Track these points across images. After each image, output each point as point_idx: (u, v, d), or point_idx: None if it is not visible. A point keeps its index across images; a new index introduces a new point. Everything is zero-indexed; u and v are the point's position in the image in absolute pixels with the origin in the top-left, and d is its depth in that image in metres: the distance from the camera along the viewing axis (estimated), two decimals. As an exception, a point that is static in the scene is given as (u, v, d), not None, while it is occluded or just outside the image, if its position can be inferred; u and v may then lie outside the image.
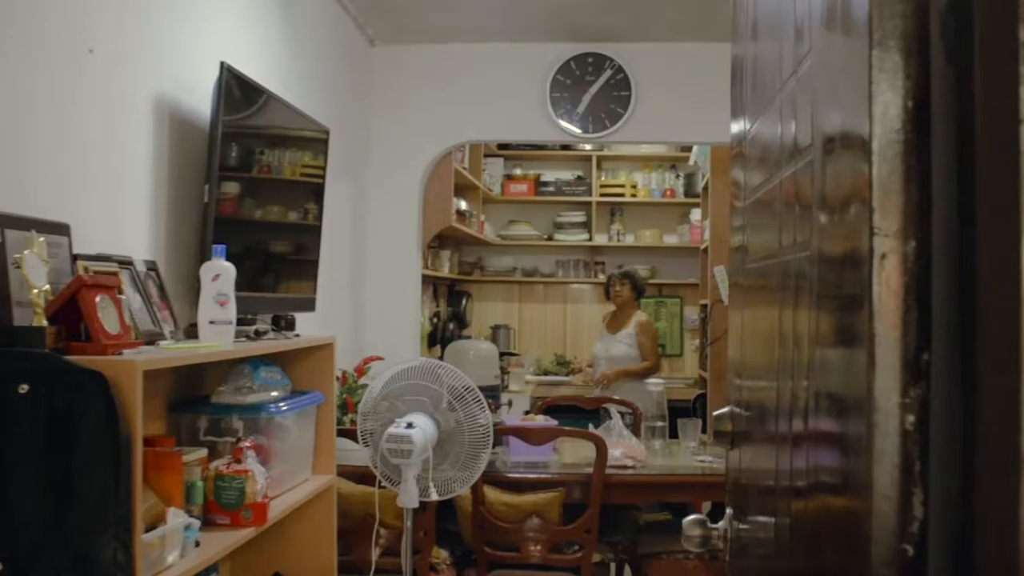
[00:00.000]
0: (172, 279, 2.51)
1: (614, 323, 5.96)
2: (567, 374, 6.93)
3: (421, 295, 5.50)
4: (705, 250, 6.08)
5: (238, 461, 2.24)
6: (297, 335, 2.81)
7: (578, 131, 4.77)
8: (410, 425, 2.94)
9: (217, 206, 2.50)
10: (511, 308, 7.42)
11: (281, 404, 2.54)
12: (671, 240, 7.25)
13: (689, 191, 7.10)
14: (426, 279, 5.89)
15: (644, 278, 5.96)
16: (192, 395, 2.50)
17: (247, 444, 2.28)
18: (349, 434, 3.30)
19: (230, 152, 2.64)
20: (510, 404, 5.62)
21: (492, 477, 3.40)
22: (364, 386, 3.93)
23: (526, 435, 3.41)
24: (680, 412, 6.62)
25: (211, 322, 2.26)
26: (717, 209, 5.42)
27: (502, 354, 6.45)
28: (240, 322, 2.56)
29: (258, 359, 2.52)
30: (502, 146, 7.19)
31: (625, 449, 3.59)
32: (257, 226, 2.89)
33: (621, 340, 5.76)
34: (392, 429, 2.94)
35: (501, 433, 3.48)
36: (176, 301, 2.45)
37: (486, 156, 7.02)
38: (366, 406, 3.17)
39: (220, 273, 2.29)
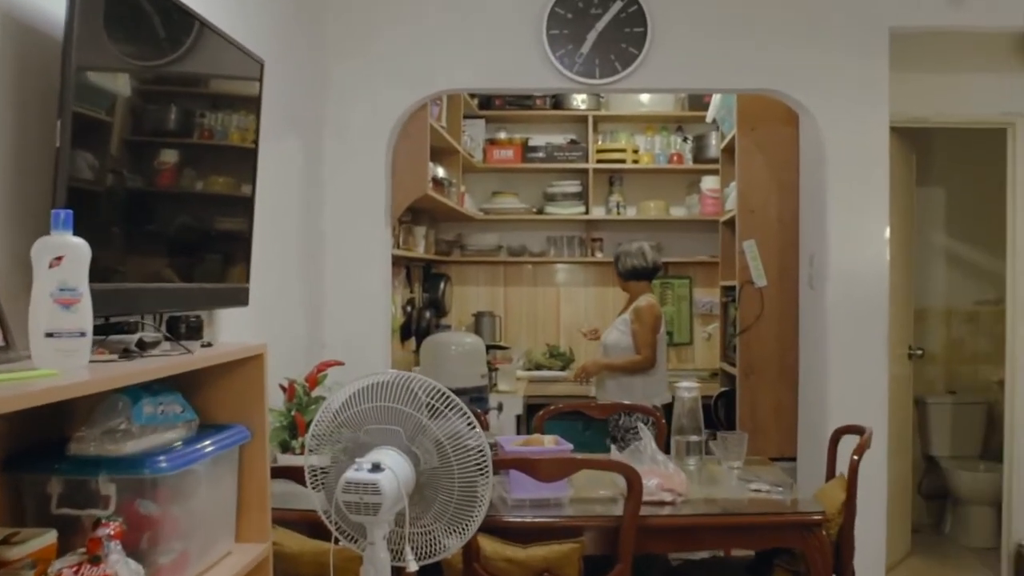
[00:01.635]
0: (7, 266, 1.68)
1: (624, 308, 5.17)
2: (562, 368, 6.13)
3: (392, 280, 4.68)
4: (727, 222, 5.28)
5: (95, 560, 1.42)
6: (207, 344, 1.97)
7: (582, 77, 3.94)
8: (376, 467, 2.12)
9: (74, 155, 1.67)
10: (496, 292, 6.60)
11: (178, 453, 1.72)
12: (678, 212, 6.45)
13: (700, 156, 6.28)
14: (397, 260, 5.06)
15: (634, 254, 5.07)
16: (49, 439, 1.68)
17: (110, 530, 1.45)
18: (295, 475, 2.48)
19: (103, 78, 1.80)
20: (500, 409, 4.82)
21: (489, 522, 2.58)
22: (319, 400, 3.11)
23: (533, 469, 2.58)
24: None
25: (49, 335, 1.43)
26: (746, 173, 4.63)
27: (488, 347, 5.64)
28: (113, 329, 1.72)
29: (142, 387, 1.69)
30: (483, 105, 6.35)
31: (661, 479, 2.80)
32: (154, 192, 2.05)
33: (617, 326, 4.98)
34: (352, 473, 2.12)
35: (502, 467, 2.66)
36: (9, 301, 1.61)
37: (465, 118, 6.16)
38: (316, 433, 2.34)
39: (64, 254, 1.46)
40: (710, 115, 5.29)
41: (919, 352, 5.47)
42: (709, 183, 6.22)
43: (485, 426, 3.76)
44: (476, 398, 4.64)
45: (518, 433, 5.29)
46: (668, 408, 5.12)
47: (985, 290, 5.98)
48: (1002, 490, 4.73)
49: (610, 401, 4.97)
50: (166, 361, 1.69)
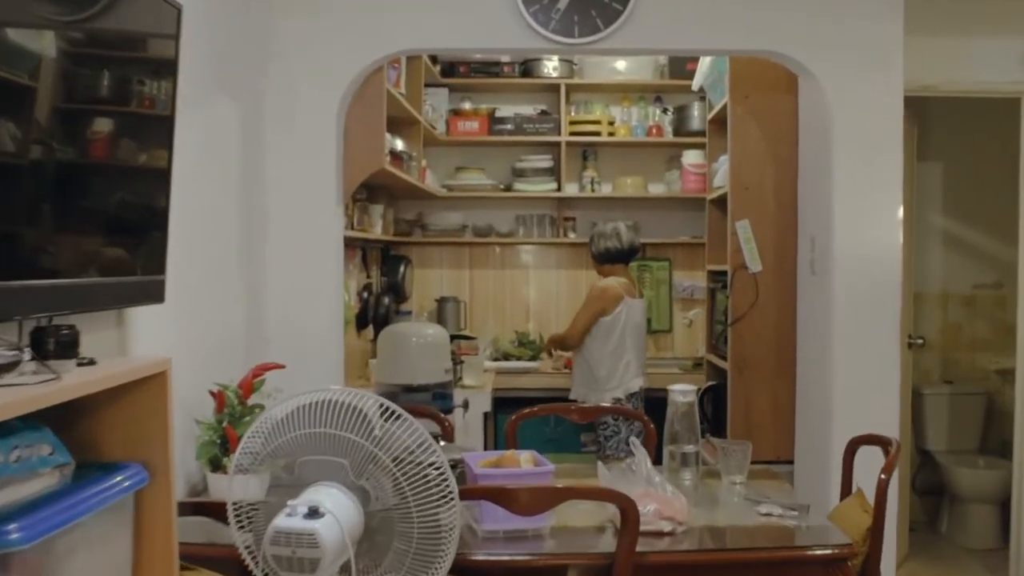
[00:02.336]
0: None
1: None
2: (532, 358, 5.72)
3: (345, 264, 4.24)
4: (716, 201, 4.88)
5: None
6: (89, 362, 1.52)
7: (559, 36, 3.50)
8: (314, 512, 1.70)
9: None
10: (461, 276, 6.16)
11: (38, 517, 1.28)
12: (657, 190, 6.04)
13: (681, 128, 5.87)
14: (351, 242, 4.62)
15: (609, 236, 4.73)
16: None
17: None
18: (216, 512, 2.04)
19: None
20: (466, 406, 4.40)
21: (455, 561, 2.16)
22: (256, 409, 2.67)
23: (510, 501, 2.15)
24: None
25: None
26: (739, 146, 4.22)
27: (453, 337, 5.22)
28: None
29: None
30: (446, 72, 5.88)
31: (659, 504, 2.39)
32: (28, 164, 1.60)
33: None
34: (283, 520, 1.69)
35: (471, 498, 2.24)
36: None
37: (427, 86, 5.70)
38: (242, 462, 1.91)
39: None
40: (696, 82, 4.87)
41: (919, 341, 5.13)
42: (691, 158, 5.82)
43: (450, 434, 3.34)
44: (439, 395, 4.22)
45: (486, 433, 4.89)
46: (645, 401, 4.81)
47: (984, 273, 5.66)
48: (1010, 488, 4.39)
49: (579, 390, 4.65)
50: (21, 393, 1.25)
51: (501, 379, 5.37)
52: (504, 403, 5.26)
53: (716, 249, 4.87)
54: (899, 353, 3.60)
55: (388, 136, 4.11)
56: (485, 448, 4.77)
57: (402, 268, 5.77)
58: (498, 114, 5.93)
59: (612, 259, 4.71)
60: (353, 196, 4.37)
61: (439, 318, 5.91)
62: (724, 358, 4.43)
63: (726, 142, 4.59)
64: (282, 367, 2.81)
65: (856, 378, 3.53)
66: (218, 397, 2.65)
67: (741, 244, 4.16)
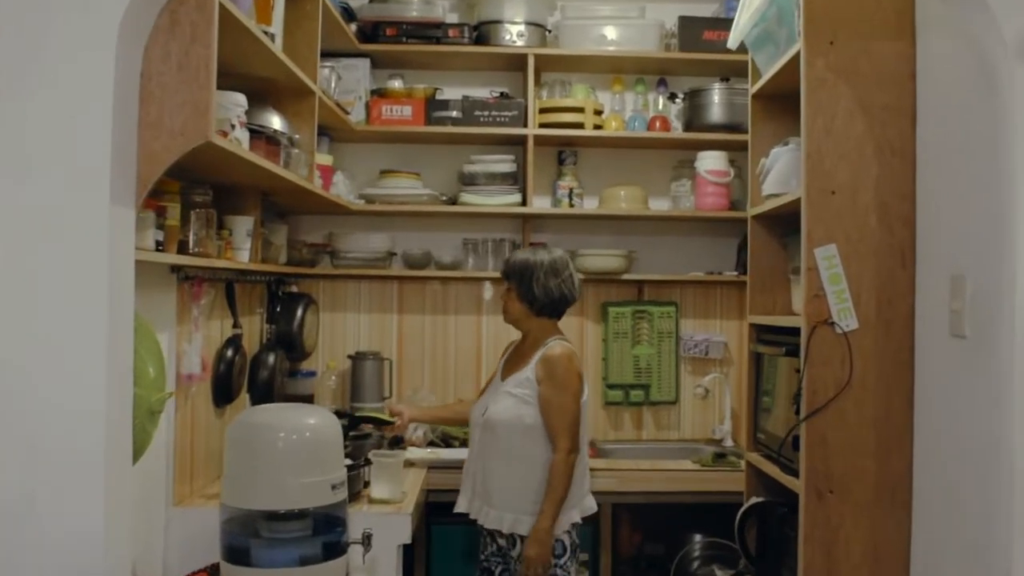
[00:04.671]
0: None
1: (513, 360, 3.32)
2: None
3: (187, 305, 2.64)
4: (765, 217, 3.32)
5: None
6: None
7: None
8: None
9: None
10: (385, 324, 4.55)
11: None
12: (660, 206, 4.49)
13: (695, 121, 4.34)
14: (200, 274, 3.00)
15: (558, 270, 3.25)
16: None
17: None
18: None
19: None
20: (367, 543, 2.77)
21: None
22: None
23: None
24: (680, 521, 3.98)
25: None
26: (819, 121, 2.65)
27: (358, 420, 3.62)
28: None
29: None
30: (367, 37, 4.29)
31: None
32: None
33: (507, 389, 3.17)
34: None
35: None
36: None
37: (339, 56, 4.13)
38: None
39: None
40: (735, 37, 3.29)
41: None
42: (709, 162, 4.29)
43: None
44: (325, 524, 2.67)
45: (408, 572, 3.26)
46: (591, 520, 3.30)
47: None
48: None
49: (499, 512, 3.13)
50: None
51: (436, 477, 3.76)
52: (442, 511, 3.66)
53: (765, 291, 3.30)
54: None
55: (228, 96, 2.53)
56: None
57: (300, 312, 4.17)
58: (440, 96, 4.36)
59: (558, 310, 3.22)
60: (204, 203, 2.77)
61: (354, 382, 4.31)
62: (788, 468, 2.84)
63: (782, 126, 3.06)
64: None
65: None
66: None
67: (824, 285, 2.60)
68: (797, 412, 2.64)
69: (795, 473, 2.70)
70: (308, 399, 4.15)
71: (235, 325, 3.50)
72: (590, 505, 3.26)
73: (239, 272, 3.53)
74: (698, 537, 4.11)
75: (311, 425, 2.66)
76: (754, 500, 3.12)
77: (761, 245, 3.34)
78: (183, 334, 3.00)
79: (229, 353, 3.44)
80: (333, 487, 2.65)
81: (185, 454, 3.09)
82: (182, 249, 2.68)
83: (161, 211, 2.49)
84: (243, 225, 3.21)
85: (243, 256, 3.22)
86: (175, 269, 2.95)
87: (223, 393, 3.42)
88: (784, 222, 3.21)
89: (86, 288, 1.94)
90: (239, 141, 2.64)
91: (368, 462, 3.18)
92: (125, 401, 2.07)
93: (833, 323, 2.59)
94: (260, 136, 2.96)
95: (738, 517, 3.11)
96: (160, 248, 2.49)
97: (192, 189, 2.76)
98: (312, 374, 4.39)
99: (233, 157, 2.50)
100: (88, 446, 1.93)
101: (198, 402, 3.19)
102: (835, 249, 2.61)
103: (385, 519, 3.02)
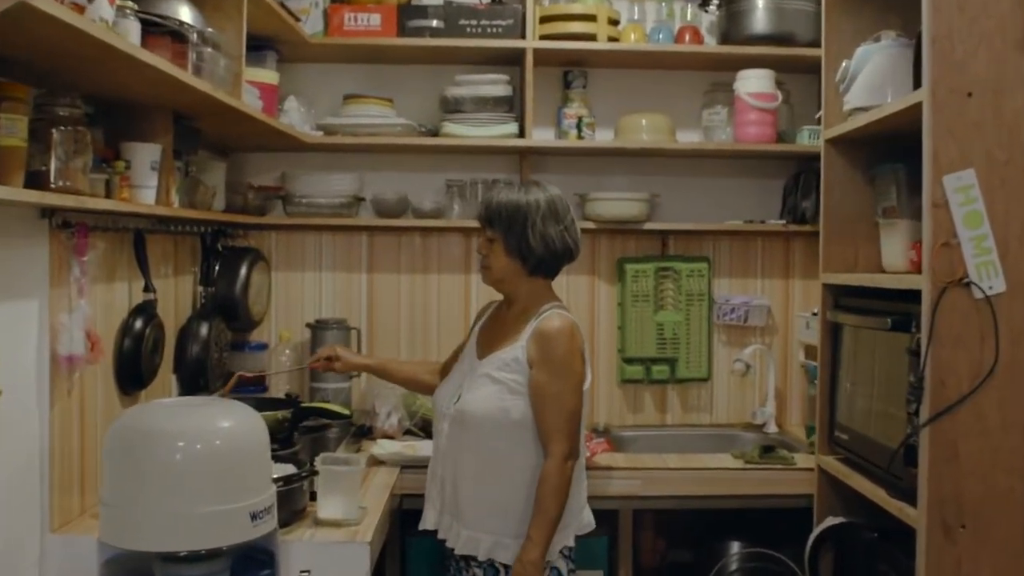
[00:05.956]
0: None
1: (494, 331, 2.54)
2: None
3: (69, 264, 1.90)
4: (847, 141, 2.53)
5: None
6: None
7: None
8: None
9: None
10: (352, 284, 3.79)
11: None
12: (689, 138, 3.71)
13: (733, 33, 3.54)
14: (93, 220, 2.21)
15: (559, 216, 2.51)
16: None
17: None
18: None
19: None
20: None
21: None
22: None
23: None
24: (709, 523, 3.28)
25: None
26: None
27: (316, 411, 2.89)
28: None
29: None
30: (324, -75, 3.49)
31: None
32: None
33: (492, 371, 2.40)
34: None
35: None
36: None
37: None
38: None
39: None
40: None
41: None
42: (753, 83, 3.50)
43: None
44: (246, 563, 1.97)
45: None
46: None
47: None
48: None
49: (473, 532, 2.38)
50: None
51: (408, 480, 3.01)
52: (417, 518, 2.90)
53: (844, 241, 2.53)
54: None
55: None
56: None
57: (244, 271, 3.41)
58: (417, 2, 3.55)
59: (555, 267, 2.48)
60: (73, 119, 1.98)
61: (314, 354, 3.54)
62: (896, 488, 2.08)
63: (866, 22, 2.30)
64: None
65: None
66: None
67: (956, 228, 1.83)
68: (915, 413, 1.87)
69: (906, 496, 1.94)
70: (259, 380, 3.39)
71: (147, 288, 2.73)
72: (588, 521, 2.53)
73: (157, 221, 2.77)
74: (735, 546, 3.39)
75: (224, 430, 1.91)
76: (831, 521, 2.37)
77: (839, 179, 2.57)
78: (58, 301, 2.23)
79: (138, 325, 2.67)
80: (254, 516, 1.90)
81: (68, 463, 2.33)
82: (36, 182, 1.89)
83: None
84: (145, 155, 2.43)
85: (146, 196, 2.43)
86: (47, 213, 2.19)
87: (131, 377, 2.66)
88: (872, 147, 2.43)
89: None
90: (114, 27, 1.86)
91: (314, 472, 2.41)
92: None
93: (969, 283, 1.83)
94: (160, 31, 2.18)
95: (810, 542, 2.36)
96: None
97: (54, 99, 1.98)
98: (262, 347, 3.64)
99: (92, 44, 1.70)
100: None
101: (88, 391, 2.43)
102: (973, 176, 1.84)
103: (336, 550, 2.26)
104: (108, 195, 2.28)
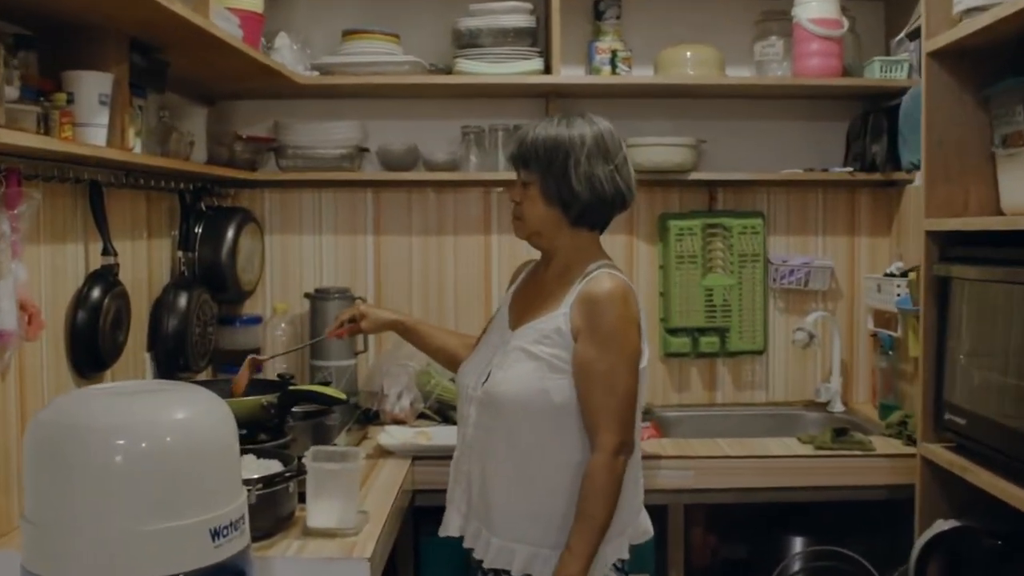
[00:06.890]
0: None
1: (530, 296, 2.10)
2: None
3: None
4: (959, 54, 2.07)
5: None
6: None
7: None
8: None
9: None
10: (356, 248, 3.38)
11: None
12: (740, 74, 3.27)
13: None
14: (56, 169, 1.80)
15: (599, 151, 2.04)
16: None
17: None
18: None
19: None
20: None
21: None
22: None
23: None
24: (765, 515, 2.88)
25: None
26: None
27: (309, 395, 2.48)
28: None
29: None
30: None
31: None
32: None
33: (527, 344, 1.96)
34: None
35: None
36: None
37: None
38: None
39: None
40: None
41: None
42: (814, 7, 3.05)
43: None
44: None
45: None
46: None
47: None
48: None
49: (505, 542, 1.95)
50: None
51: (430, 472, 2.60)
52: (433, 517, 2.47)
53: (951, 180, 2.08)
54: None
55: None
56: None
57: (231, 233, 3.00)
58: (424, -80, 3.11)
59: (605, 216, 2.06)
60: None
61: (313, 332, 3.14)
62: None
63: None
64: None
65: None
66: None
67: None
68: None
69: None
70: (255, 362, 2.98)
71: (105, 251, 2.32)
72: (645, 528, 2.11)
73: (122, 173, 2.36)
74: (798, 542, 2.98)
75: (177, 424, 1.51)
76: (943, 525, 1.94)
77: (945, 102, 2.11)
78: (-21, 265, 1.82)
79: (95, 294, 2.26)
80: (217, 534, 1.50)
81: (4, 460, 1.93)
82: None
83: None
84: (92, 86, 2.00)
85: (93, 136, 2.01)
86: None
87: (88, 357, 2.25)
88: (988, 60, 1.97)
89: None
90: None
91: (302, 470, 1.99)
92: None
93: None
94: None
95: (917, 548, 1.93)
96: None
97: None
98: (255, 320, 3.23)
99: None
100: None
101: (29, 375, 2.02)
102: None
103: (327, 568, 1.85)
104: (44, 131, 1.86)
